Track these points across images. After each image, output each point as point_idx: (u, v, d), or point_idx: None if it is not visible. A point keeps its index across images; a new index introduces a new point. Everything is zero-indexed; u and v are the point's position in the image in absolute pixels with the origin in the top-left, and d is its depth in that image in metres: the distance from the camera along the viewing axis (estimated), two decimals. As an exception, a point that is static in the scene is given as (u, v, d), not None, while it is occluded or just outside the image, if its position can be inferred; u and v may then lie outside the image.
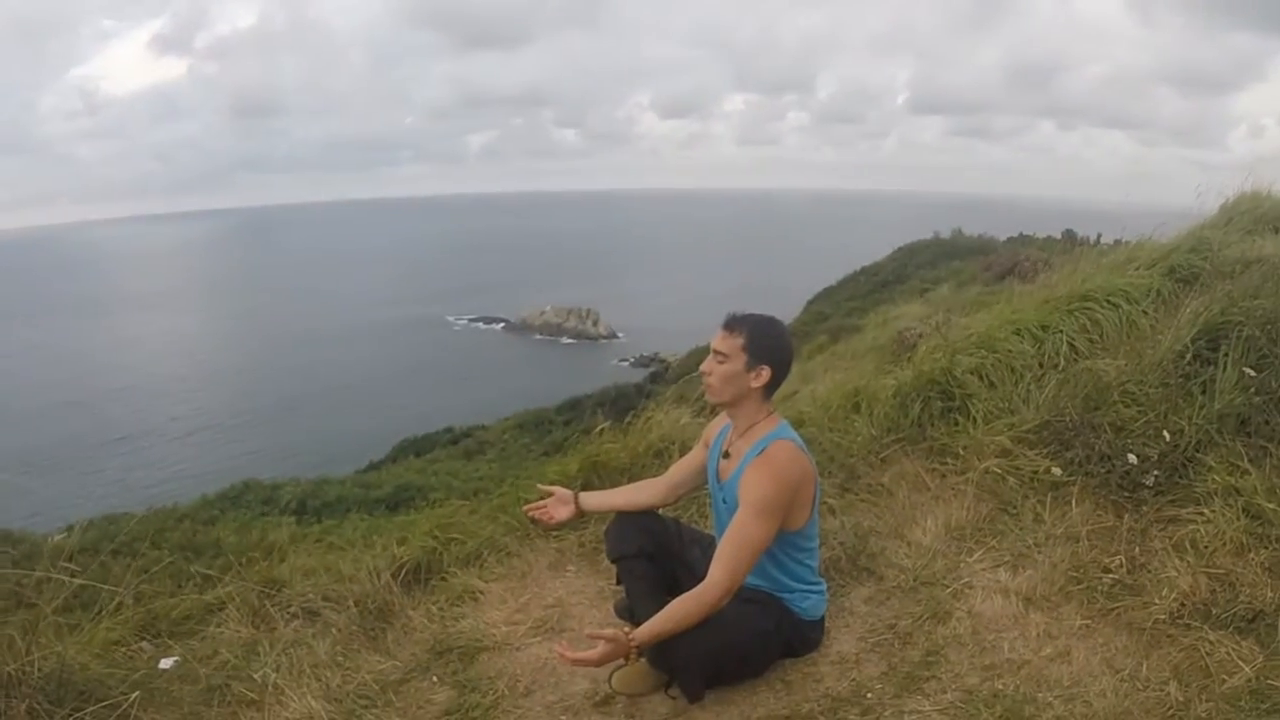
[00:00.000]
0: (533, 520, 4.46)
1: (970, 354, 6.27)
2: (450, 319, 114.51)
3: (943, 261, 49.60)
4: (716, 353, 3.73)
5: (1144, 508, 4.73)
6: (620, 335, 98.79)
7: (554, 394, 50.31)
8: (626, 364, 78.51)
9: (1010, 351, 6.27)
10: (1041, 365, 6.17)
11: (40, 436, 60.75)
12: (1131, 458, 4.81)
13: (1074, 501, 4.83)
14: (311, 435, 58.56)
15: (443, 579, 5.10)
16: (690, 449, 4.36)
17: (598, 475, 5.74)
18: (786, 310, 52.20)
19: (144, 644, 4.83)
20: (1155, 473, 4.79)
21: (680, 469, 4.23)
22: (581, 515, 4.35)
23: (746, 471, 3.63)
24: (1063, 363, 6.15)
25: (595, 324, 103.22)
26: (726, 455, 3.86)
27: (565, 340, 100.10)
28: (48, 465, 52.18)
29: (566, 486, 4.55)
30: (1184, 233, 8.36)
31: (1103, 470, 4.94)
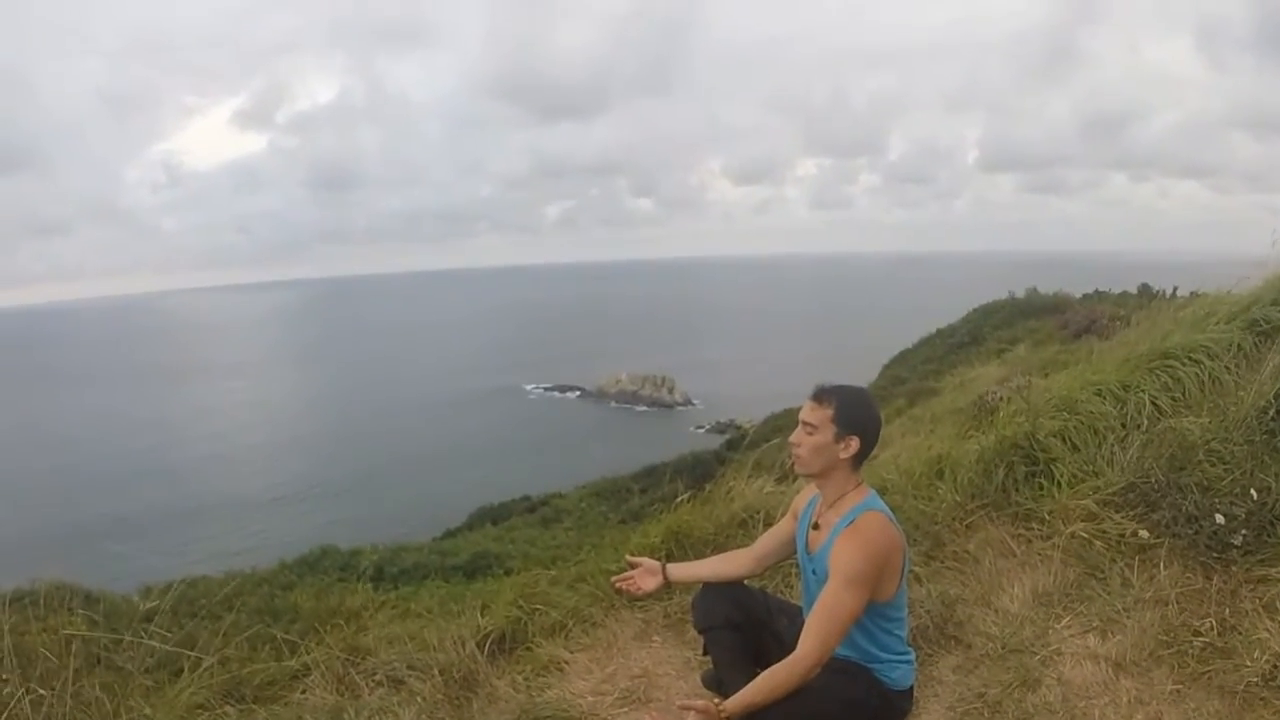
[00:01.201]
0: (618, 591, 4.52)
1: (1052, 416, 6.21)
2: (527, 388, 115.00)
3: (1018, 321, 49.14)
4: (805, 424, 3.76)
5: (1233, 568, 4.64)
6: (696, 402, 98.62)
7: (630, 462, 50.07)
8: (703, 431, 78.23)
9: (1092, 413, 6.20)
10: (1124, 426, 6.07)
11: (124, 503, 61.58)
12: (1219, 518, 4.75)
13: (1162, 564, 4.77)
14: (389, 504, 58.68)
15: (528, 649, 5.13)
16: (774, 518, 4.39)
17: (680, 546, 5.75)
18: (862, 375, 51.95)
19: (228, 708, 4.88)
20: (1243, 532, 4.71)
21: (768, 540, 4.26)
22: (668, 586, 4.39)
23: (837, 543, 3.65)
24: (1146, 423, 6.06)
25: (671, 391, 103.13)
26: (816, 527, 3.88)
27: (641, 408, 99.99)
28: (131, 532, 52.72)
29: (650, 557, 4.58)
30: (1263, 283, 8.25)
31: (1190, 531, 4.87)
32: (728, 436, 63.25)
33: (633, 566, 4.42)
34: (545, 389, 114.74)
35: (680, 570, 4.36)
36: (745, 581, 4.28)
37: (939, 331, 57.32)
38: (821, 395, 3.78)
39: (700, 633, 4.11)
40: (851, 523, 3.66)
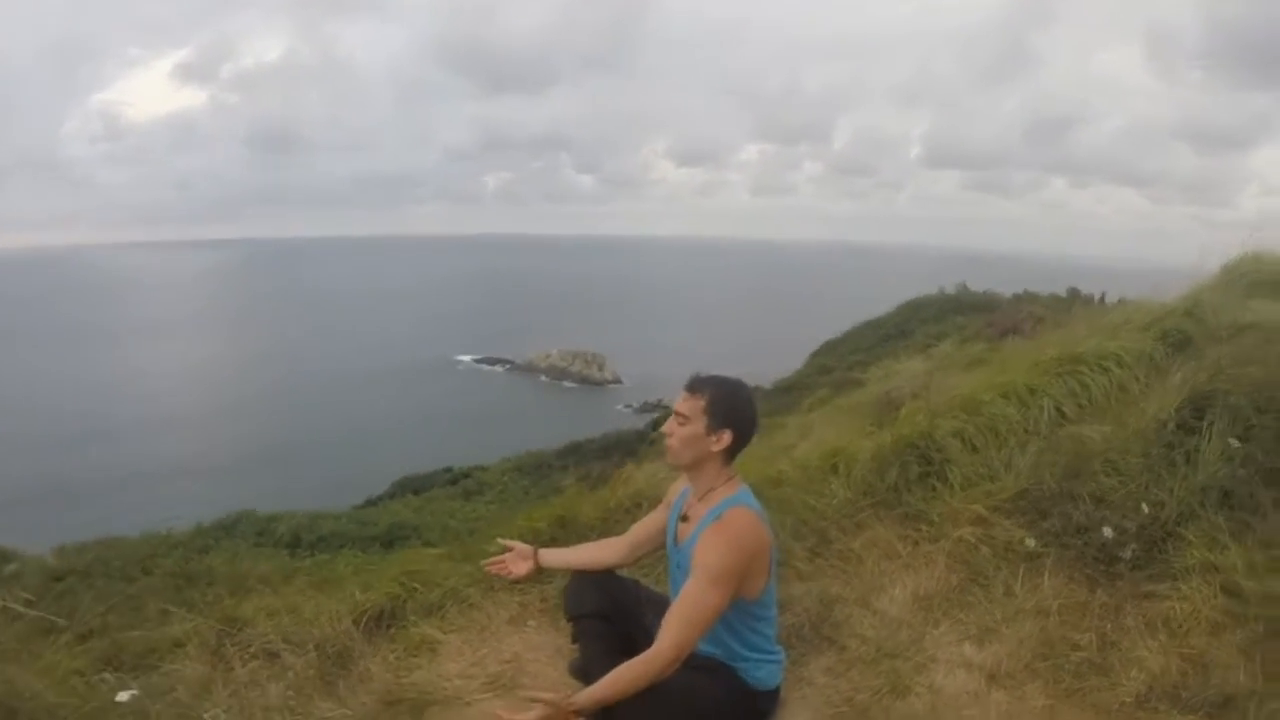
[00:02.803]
0: (491, 574, 4.37)
1: (953, 417, 6.13)
2: (457, 359, 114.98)
3: (947, 317, 49.69)
4: (678, 414, 3.64)
5: (1119, 583, 4.57)
6: (624, 381, 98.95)
7: (555, 437, 50.32)
8: (630, 410, 78.53)
9: (994, 415, 6.13)
10: (1026, 430, 6.02)
11: (48, 466, 60.96)
12: (1107, 531, 4.68)
13: (1047, 574, 4.68)
14: (314, 471, 58.56)
15: (403, 627, 5.04)
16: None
17: (565, 530, 5.62)
18: (792, 361, 52.20)
19: (106, 675, 4.75)
20: (1133, 546, 4.64)
21: (641, 529, 4.12)
22: (541, 572, 4.25)
23: (701, 537, 3.52)
24: (1049, 428, 6.02)
25: (600, 369, 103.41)
26: (685, 518, 3.75)
27: (569, 384, 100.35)
28: (53, 496, 52.23)
29: (536, 540, 4.51)
30: (1181, 294, 8.25)
31: (1079, 542, 4.79)
32: (653, 416, 63.62)
33: (507, 550, 4.28)
34: (475, 361, 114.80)
35: (552, 556, 4.23)
36: (621, 572, 4.15)
37: (868, 323, 57.91)
38: (695, 386, 3.67)
39: (569, 620, 4.01)
40: (718, 517, 3.52)
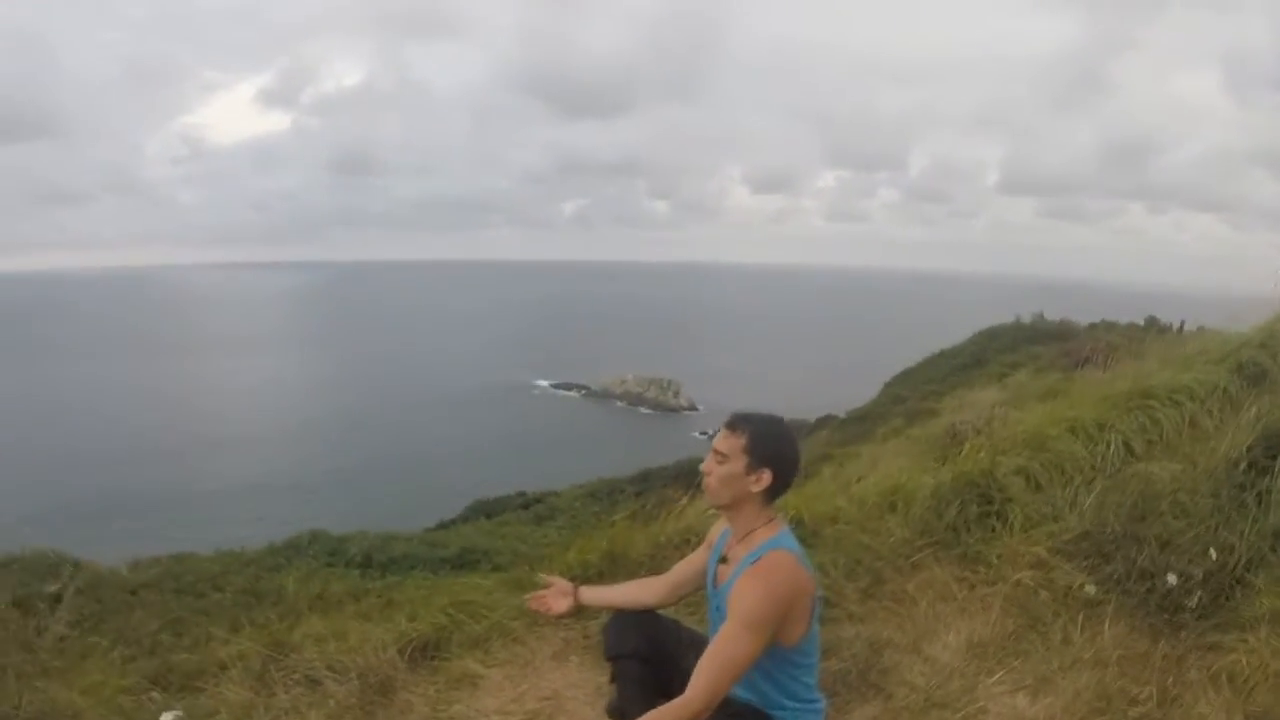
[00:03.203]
0: (531, 610, 4.32)
1: (1018, 453, 5.95)
2: (533, 384, 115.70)
3: (1022, 346, 49.02)
4: (716, 452, 3.52)
5: (1183, 632, 4.35)
6: (700, 408, 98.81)
7: (629, 463, 50.29)
8: (705, 437, 78.30)
9: (1060, 451, 5.96)
10: (1094, 468, 5.83)
11: (125, 480, 62.24)
12: (1171, 578, 4.46)
13: (1108, 621, 4.47)
14: (388, 493, 59.26)
15: (447, 659, 5.00)
16: None
17: (615, 565, 5.56)
18: (865, 391, 51.85)
19: (154, 694, 4.91)
20: (1199, 594, 4.42)
21: (683, 569, 4.01)
22: (581, 609, 4.19)
23: (738, 581, 3.40)
24: (1117, 465, 5.82)
25: (676, 395, 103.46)
26: (724, 560, 3.63)
27: (644, 410, 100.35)
28: (129, 510, 53.12)
29: (584, 574, 4.67)
30: (1258, 325, 8.01)
31: (1142, 589, 4.58)
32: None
33: (548, 586, 4.22)
34: (551, 385, 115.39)
35: (593, 594, 4.15)
36: (661, 611, 4.04)
37: (943, 352, 57.23)
38: (735, 423, 3.53)
39: (608, 660, 3.91)
40: (756, 561, 3.41)
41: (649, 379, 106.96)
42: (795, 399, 74.06)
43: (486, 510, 44.01)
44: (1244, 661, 4.02)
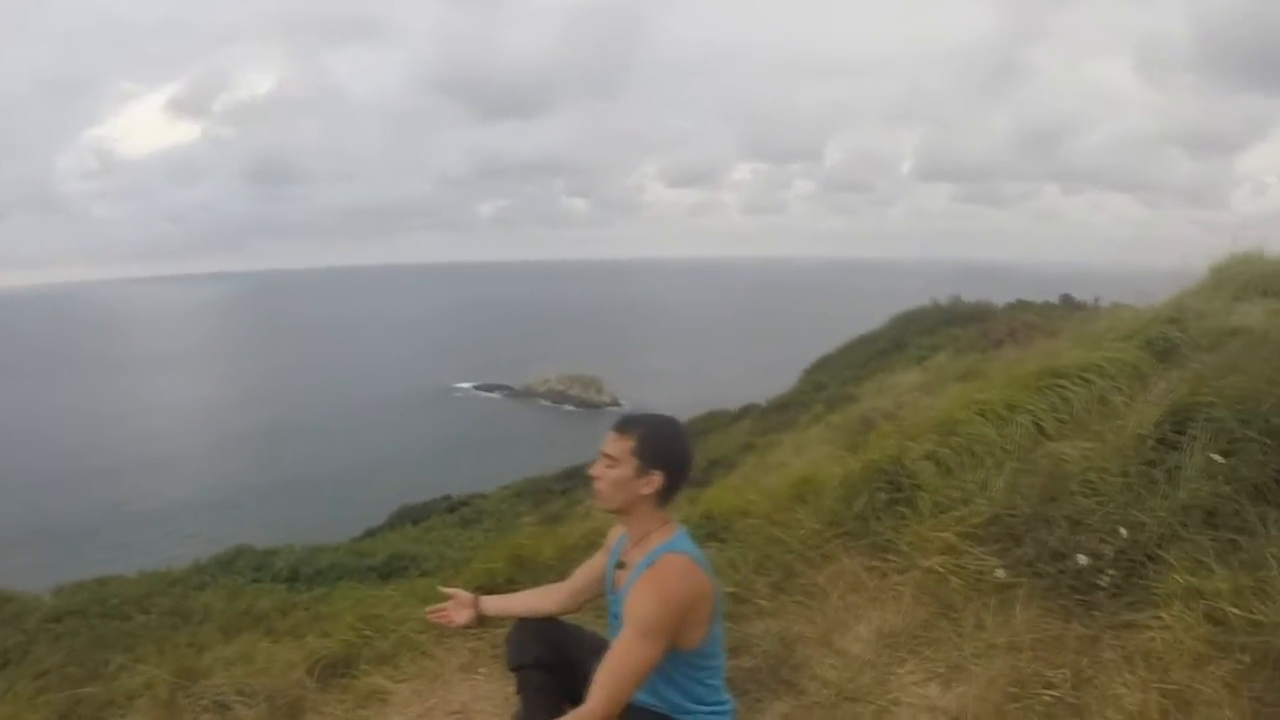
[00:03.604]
0: (432, 624, 4.29)
1: (927, 438, 5.90)
2: (455, 387, 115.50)
3: (941, 328, 49.51)
4: (605, 456, 3.44)
5: (1096, 613, 4.28)
6: (623, 403, 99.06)
7: (555, 462, 50.27)
8: (629, 432, 78.52)
9: (971, 435, 5.93)
10: (1004, 450, 5.79)
11: (51, 503, 61.44)
12: (1082, 558, 4.39)
13: (1020, 606, 4.39)
14: (312, 504, 58.85)
15: (355, 677, 4.97)
16: None
17: (523, 570, 5.51)
18: (787, 379, 52.10)
19: None
20: (1110, 573, 4.35)
21: (583, 574, 3.94)
22: (483, 621, 4.10)
23: (634, 587, 3.33)
24: (1028, 447, 5.79)
25: (599, 392, 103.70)
26: (621, 565, 3.57)
27: (568, 408, 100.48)
28: (53, 534, 52.71)
29: (491, 583, 4.64)
30: (1167, 300, 8.05)
31: (1054, 570, 4.50)
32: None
33: (448, 598, 4.13)
34: (474, 388, 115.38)
35: (494, 604, 4.08)
36: (564, 618, 3.97)
37: (862, 337, 57.60)
38: (623, 425, 3.47)
39: (512, 671, 3.84)
40: (651, 565, 3.33)
41: (572, 377, 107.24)
42: (718, 390, 74.37)
43: (413, 516, 43.89)
44: (1158, 639, 3.96)
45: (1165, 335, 7.14)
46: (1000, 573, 4.57)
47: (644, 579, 3.29)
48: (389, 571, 25.23)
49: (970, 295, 60.71)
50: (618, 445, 3.41)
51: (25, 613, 19.63)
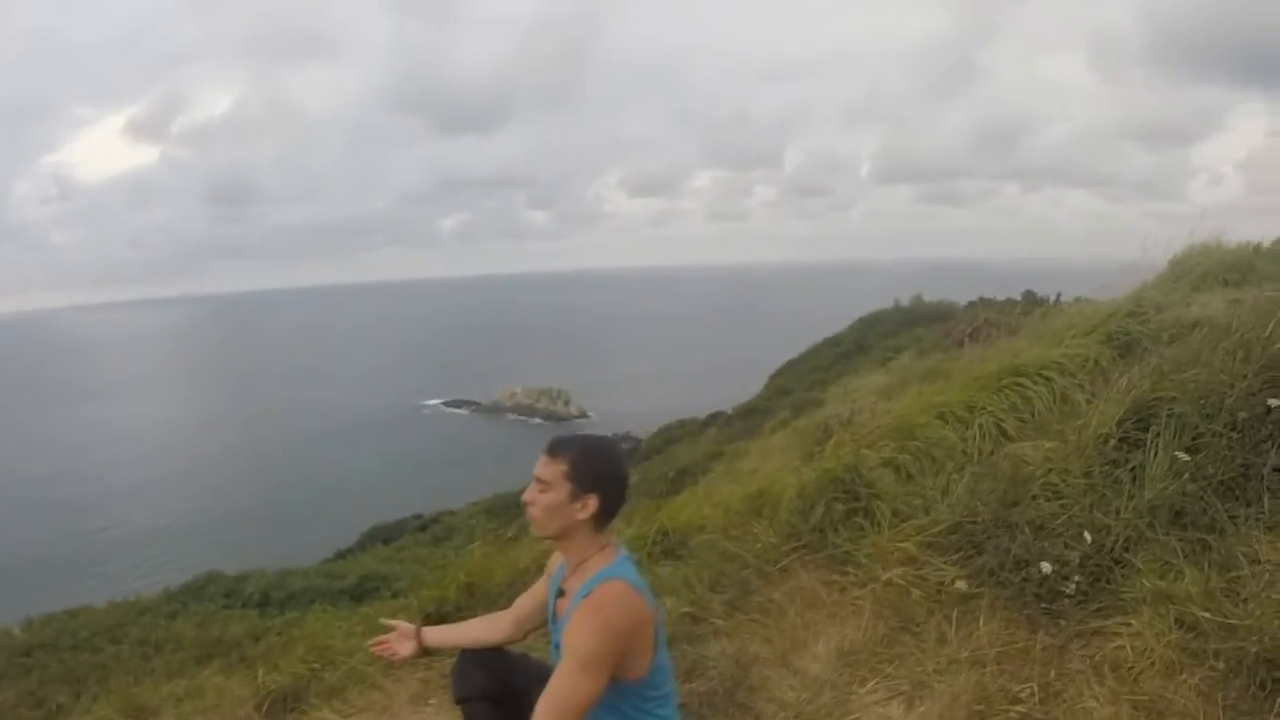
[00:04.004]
0: (375, 657, 4.14)
1: (885, 445, 5.76)
2: (421, 404, 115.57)
3: (904, 329, 49.83)
4: (538, 480, 3.28)
5: (1063, 621, 4.12)
6: (591, 415, 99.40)
7: (523, 477, 49.95)
8: (598, 444, 78.62)
9: (930, 439, 5.81)
10: (965, 453, 5.66)
11: (14, 536, 60.91)
12: (1045, 566, 4.23)
13: (983, 617, 4.23)
14: (283, 527, 58.98)
15: (304, 711, 4.86)
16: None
17: (475, 599, 5.37)
18: (753, 385, 52.20)
19: None
20: (1076, 579, 4.21)
21: (525, 602, 3.78)
22: (427, 653, 3.94)
23: (572, 617, 3.15)
24: (989, 449, 5.64)
25: (566, 404, 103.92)
26: (561, 593, 3.39)
27: (536, 421, 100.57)
28: (25, 563, 52.25)
29: (441, 610, 4.62)
30: (1126, 294, 7.95)
31: (1018, 579, 4.35)
32: (623, 449, 63.59)
33: (390, 630, 3.97)
34: (440, 404, 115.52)
35: (436, 635, 3.92)
36: (509, 647, 3.82)
37: (826, 340, 57.86)
38: (555, 448, 3.31)
39: (457, 703, 3.69)
40: (589, 593, 3.16)
41: (539, 390, 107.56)
42: (686, 398, 74.54)
43: (384, 536, 43.93)
44: (1128, 647, 3.83)
45: (1125, 329, 7.00)
46: (961, 584, 4.42)
47: (581, 609, 3.12)
48: (361, 593, 25.06)
49: (933, 295, 61.03)
50: (550, 469, 3.26)
51: None
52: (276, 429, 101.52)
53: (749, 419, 40.42)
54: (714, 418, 50.73)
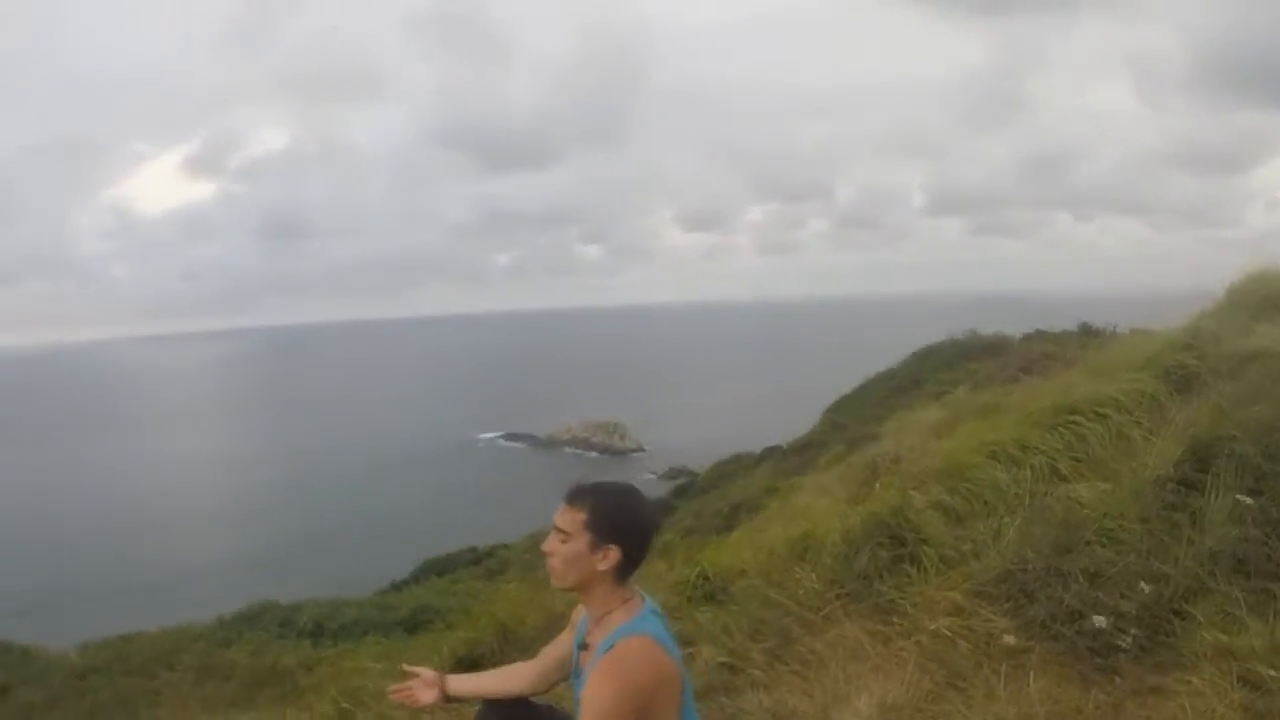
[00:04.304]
0: (397, 704, 4.02)
1: (935, 485, 5.54)
2: (477, 438, 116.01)
3: (959, 363, 49.21)
4: (557, 530, 3.13)
5: (1118, 679, 3.87)
6: (647, 448, 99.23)
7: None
8: (654, 477, 78.54)
9: (980, 480, 5.56)
10: (1017, 495, 5.41)
11: (77, 559, 62.14)
12: (1099, 620, 3.98)
13: (1033, 672, 3.97)
14: (338, 559, 59.44)
15: None
16: None
17: (509, 644, 5.27)
18: (807, 420, 51.99)
19: None
20: (1133, 632, 3.97)
21: (550, 654, 3.61)
22: (450, 700, 3.79)
23: (590, 676, 2.99)
24: (1042, 490, 5.40)
25: (622, 438, 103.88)
26: (584, 646, 3.25)
27: (593, 455, 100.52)
28: (82, 590, 53.29)
29: (474, 655, 4.54)
30: (1183, 324, 7.71)
31: (1070, 631, 4.10)
32: (678, 482, 63.46)
33: (413, 676, 3.82)
34: (497, 438, 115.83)
35: (460, 683, 3.77)
36: (534, 699, 3.67)
37: (881, 374, 57.36)
38: (574, 496, 3.14)
39: None
40: (609, 650, 2.99)
41: (595, 424, 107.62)
42: (741, 431, 74.30)
43: (438, 568, 43.91)
44: (1187, 707, 3.58)
45: (1182, 363, 6.81)
46: (1009, 638, 4.16)
47: (600, 666, 2.97)
48: (414, 625, 24.99)
49: (987, 327, 60.61)
50: (569, 518, 3.10)
51: (49, 670, 19.75)
52: (332, 461, 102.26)
53: (803, 453, 40.12)
54: (769, 452, 50.40)
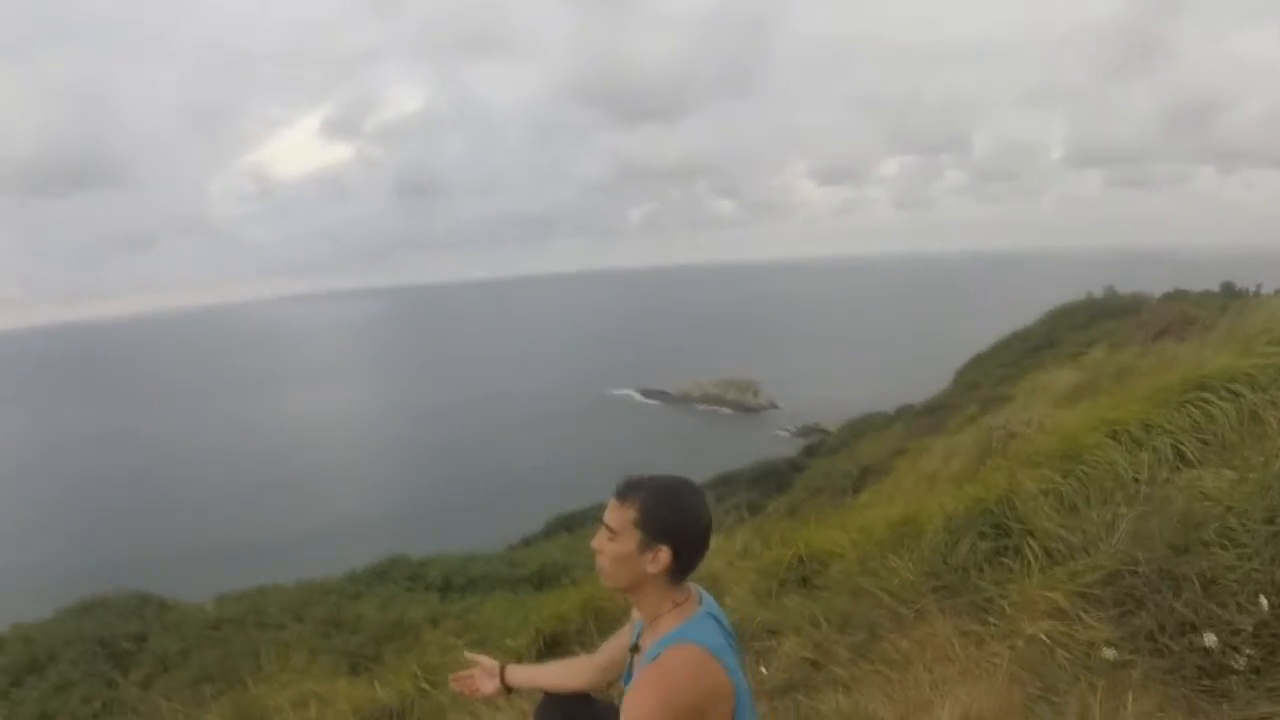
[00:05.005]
0: (456, 692, 3.85)
1: (1046, 469, 5.15)
2: (611, 393, 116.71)
3: (1095, 323, 48.15)
4: (606, 527, 2.92)
5: (1226, 705, 3.44)
6: (779, 405, 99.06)
7: (711, 466, 50.55)
8: (786, 434, 78.59)
9: (1098, 463, 5.14)
10: (1136, 480, 4.98)
11: (222, 515, 63.96)
12: (1210, 638, 3.57)
13: (1134, 691, 3.56)
14: (471, 514, 60.67)
15: None
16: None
17: (598, 620, 5.16)
18: (942, 378, 51.48)
19: None
20: (1248, 652, 3.53)
21: (610, 649, 3.44)
22: (510, 691, 3.67)
23: (632, 686, 2.77)
24: (1165, 476, 4.97)
25: (755, 395, 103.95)
26: (636, 648, 3.05)
27: (725, 411, 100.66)
28: (226, 544, 54.96)
29: (559, 634, 4.53)
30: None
31: (1178, 646, 3.69)
32: (809, 441, 63.19)
33: (473, 664, 3.75)
34: (630, 393, 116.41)
35: (520, 675, 3.66)
36: (595, 694, 3.57)
37: (1015, 334, 56.48)
38: (625, 492, 2.93)
39: None
40: (654, 659, 2.77)
41: (728, 381, 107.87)
42: (873, 390, 73.88)
43: (568, 524, 44.46)
44: (1311, 741, 3.17)
45: (1327, 336, 6.24)
46: (1109, 652, 3.76)
47: (644, 674, 2.76)
48: (541, 581, 25.15)
49: (1124, 285, 59.16)
50: (618, 515, 2.90)
51: (184, 621, 20.28)
52: (466, 418, 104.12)
53: (935, 414, 39.65)
54: (902, 411, 50.12)
